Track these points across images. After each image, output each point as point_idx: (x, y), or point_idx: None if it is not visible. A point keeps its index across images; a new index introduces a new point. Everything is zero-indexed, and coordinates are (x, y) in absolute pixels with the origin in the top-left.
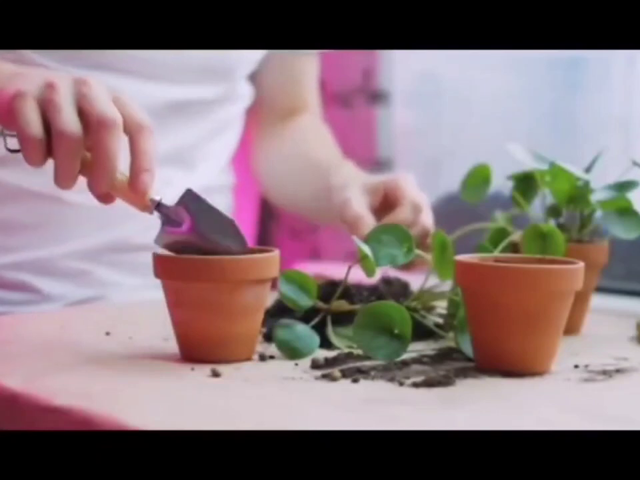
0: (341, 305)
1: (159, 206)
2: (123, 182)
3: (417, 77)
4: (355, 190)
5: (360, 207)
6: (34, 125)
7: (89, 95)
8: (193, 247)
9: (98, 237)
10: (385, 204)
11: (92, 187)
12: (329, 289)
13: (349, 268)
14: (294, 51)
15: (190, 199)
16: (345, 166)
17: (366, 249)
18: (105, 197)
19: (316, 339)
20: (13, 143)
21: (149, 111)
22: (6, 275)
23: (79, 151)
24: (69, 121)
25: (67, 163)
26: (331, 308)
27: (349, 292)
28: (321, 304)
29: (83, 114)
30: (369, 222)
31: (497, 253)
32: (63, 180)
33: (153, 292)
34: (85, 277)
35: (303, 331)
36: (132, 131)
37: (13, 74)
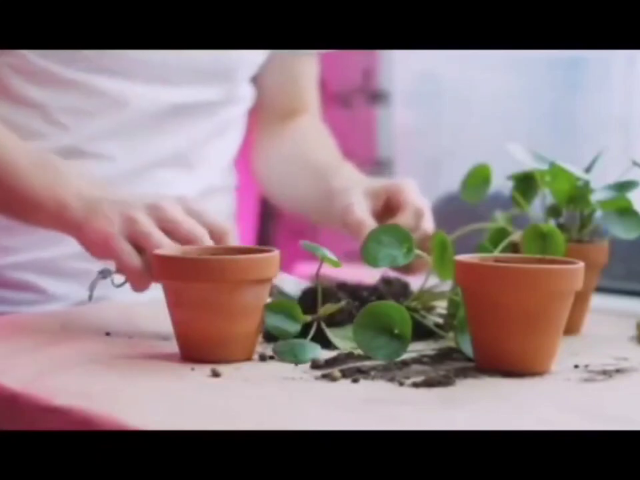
0: (327, 308)
1: None
2: None
3: (417, 77)
4: (357, 194)
5: (362, 212)
6: (134, 260)
7: (170, 218)
8: None
9: None
10: (387, 209)
11: None
12: (309, 296)
13: (319, 267)
14: (294, 52)
15: None
16: (344, 168)
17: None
18: None
19: (316, 346)
20: (117, 277)
21: (151, 112)
22: (10, 274)
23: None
24: (161, 244)
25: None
26: (319, 315)
27: (330, 292)
28: (308, 317)
29: (170, 237)
30: (371, 227)
31: (496, 253)
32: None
33: (153, 292)
34: (89, 278)
35: (303, 342)
36: (216, 236)
37: (85, 207)
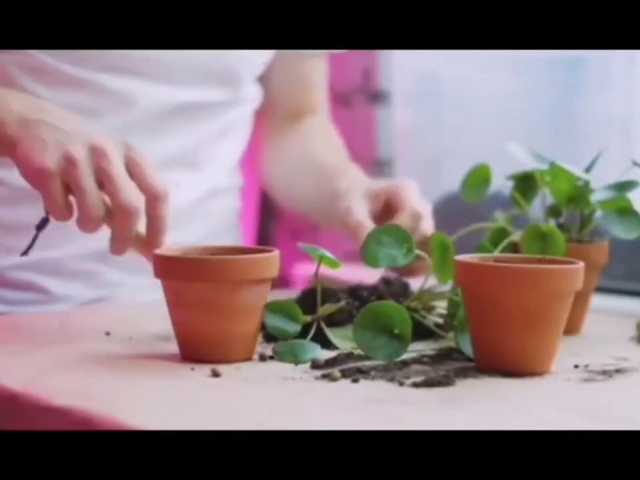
0: (327, 308)
1: None
2: (140, 240)
3: (417, 76)
4: (357, 197)
5: (361, 214)
6: (62, 206)
7: (109, 173)
8: None
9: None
10: (386, 210)
11: (112, 250)
12: (309, 296)
13: (317, 268)
14: (301, 53)
15: None
16: (349, 170)
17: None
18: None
19: (316, 346)
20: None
21: (158, 112)
22: (14, 275)
23: (100, 223)
24: (95, 208)
25: (88, 231)
26: (319, 315)
27: (330, 292)
28: (308, 317)
29: (105, 193)
30: (369, 229)
31: (496, 253)
32: (85, 232)
33: (153, 292)
34: (92, 278)
35: (302, 343)
36: (148, 197)
37: (21, 120)
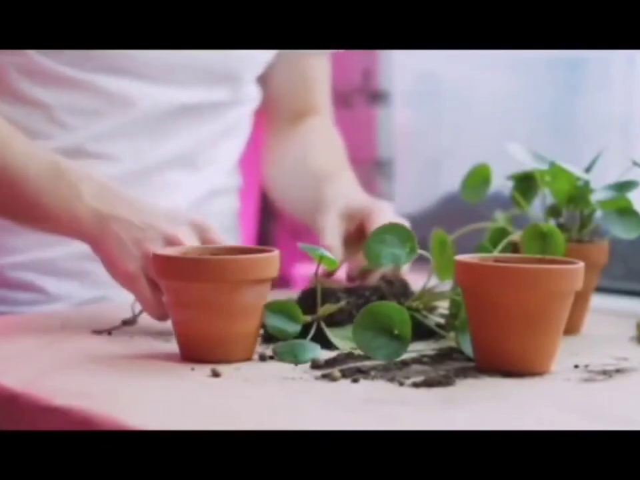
0: (327, 309)
1: None
2: None
3: (417, 76)
4: (332, 216)
5: (332, 237)
6: (153, 303)
7: None
8: None
9: None
10: (360, 232)
11: None
12: (309, 296)
13: (317, 268)
14: (303, 53)
15: None
16: (337, 179)
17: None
18: None
19: (316, 346)
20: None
21: (157, 113)
22: (11, 274)
23: None
24: None
25: None
26: (319, 315)
27: (330, 292)
28: (308, 317)
29: None
30: (336, 255)
31: (496, 253)
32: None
33: None
34: (90, 278)
35: (302, 343)
36: None
37: (96, 216)
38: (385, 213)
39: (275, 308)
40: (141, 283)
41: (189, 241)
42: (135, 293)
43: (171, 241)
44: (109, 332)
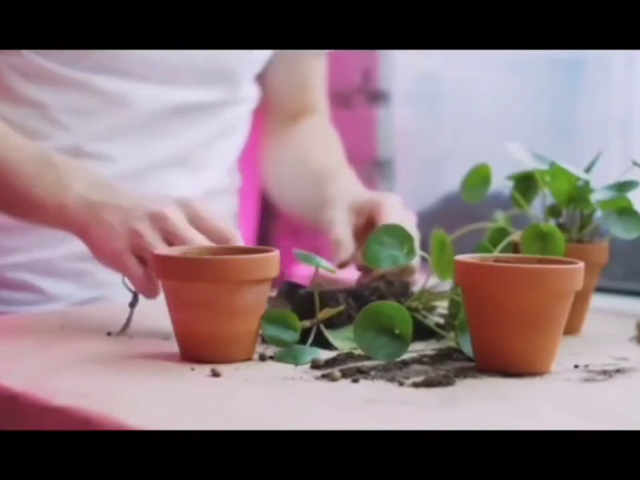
0: (326, 312)
1: None
2: None
3: (416, 77)
4: (341, 210)
5: (342, 230)
6: (143, 279)
7: (174, 231)
8: None
9: None
10: (370, 225)
11: None
12: (307, 300)
13: (315, 273)
14: (300, 53)
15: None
16: (340, 175)
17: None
18: None
19: (316, 350)
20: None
21: (153, 113)
22: (10, 275)
23: None
24: None
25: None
26: (318, 319)
27: (327, 296)
28: (307, 322)
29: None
30: (347, 247)
31: (496, 253)
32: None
33: None
34: (87, 278)
35: (303, 348)
36: (222, 244)
37: (85, 204)
38: (393, 206)
39: (271, 318)
40: (128, 259)
41: (175, 217)
42: (123, 270)
43: (156, 217)
44: (123, 328)
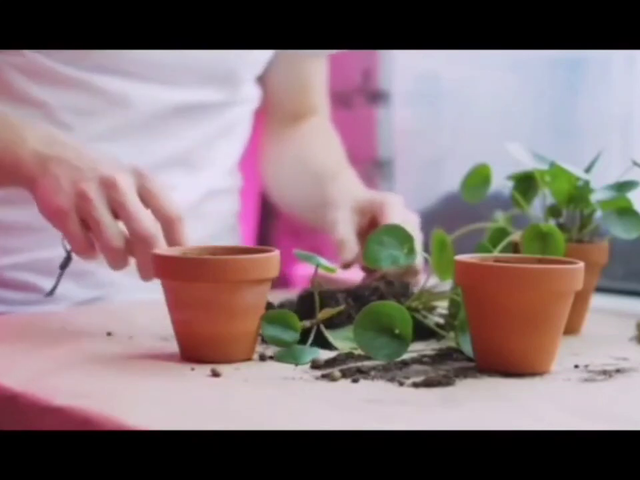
0: (326, 312)
1: None
2: None
3: (416, 77)
4: (344, 211)
5: (346, 230)
6: (82, 242)
7: (122, 203)
8: None
9: None
10: (372, 225)
11: (141, 276)
12: (307, 300)
13: (314, 274)
14: (301, 54)
15: None
16: (341, 176)
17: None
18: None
19: (316, 350)
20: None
21: (155, 113)
22: (9, 274)
23: (124, 255)
24: (113, 238)
25: (116, 264)
26: (318, 319)
27: (327, 296)
28: (307, 322)
29: (122, 222)
30: (352, 247)
31: (496, 253)
32: (115, 269)
33: (153, 292)
34: (87, 278)
35: (303, 348)
36: (164, 223)
37: (37, 157)
38: (396, 206)
39: (271, 318)
40: (70, 219)
41: (125, 184)
42: (64, 229)
43: (106, 182)
44: (51, 291)
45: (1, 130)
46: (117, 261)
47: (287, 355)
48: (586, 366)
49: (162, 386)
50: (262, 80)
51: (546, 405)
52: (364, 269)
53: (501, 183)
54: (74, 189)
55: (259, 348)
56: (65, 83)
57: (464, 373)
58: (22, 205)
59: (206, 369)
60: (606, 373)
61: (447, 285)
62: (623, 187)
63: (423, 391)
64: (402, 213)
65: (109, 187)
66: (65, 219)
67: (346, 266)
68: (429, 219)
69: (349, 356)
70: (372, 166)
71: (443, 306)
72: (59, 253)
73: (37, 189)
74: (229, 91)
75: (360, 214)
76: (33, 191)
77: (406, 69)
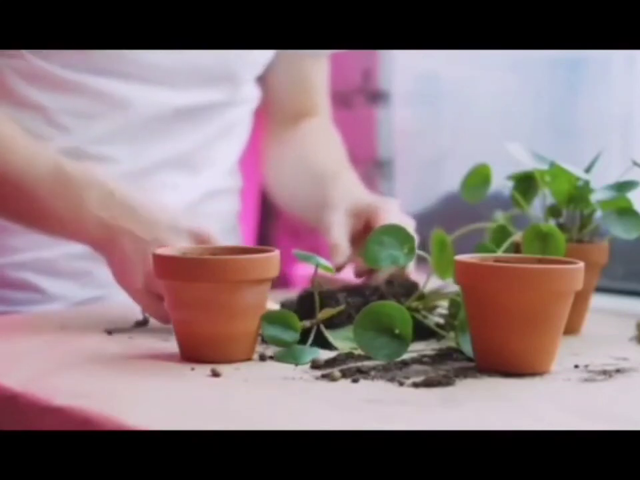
0: (326, 312)
1: None
2: None
3: (416, 77)
4: (339, 213)
5: (339, 235)
6: (157, 313)
7: None
8: None
9: None
10: (367, 230)
11: None
12: (307, 300)
13: (314, 274)
14: (302, 54)
15: None
16: (341, 177)
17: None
18: None
19: (316, 351)
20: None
21: (154, 115)
22: (10, 274)
23: None
24: None
25: None
26: (318, 319)
27: (329, 295)
28: (307, 322)
29: None
30: (343, 251)
31: (499, 253)
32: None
33: None
34: (87, 277)
35: (303, 348)
36: None
37: (101, 226)
38: (391, 211)
39: (271, 318)
40: (146, 298)
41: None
42: (140, 303)
43: None
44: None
45: (59, 188)
46: None
47: (287, 355)
48: (586, 366)
49: (162, 386)
50: (263, 80)
51: (546, 405)
52: (357, 274)
53: (501, 183)
54: (144, 268)
55: (259, 348)
56: (64, 86)
57: (464, 373)
58: None
59: (206, 368)
60: (606, 373)
61: (447, 285)
62: (623, 187)
63: (422, 391)
64: (397, 217)
65: None
66: (143, 299)
67: (337, 269)
68: (429, 219)
69: (349, 356)
70: (372, 166)
71: (443, 306)
72: (58, 253)
73: (110, 262)
74: (229, 91)
75: (355, 217)
76: (106, 261)
77: (406, 69)
